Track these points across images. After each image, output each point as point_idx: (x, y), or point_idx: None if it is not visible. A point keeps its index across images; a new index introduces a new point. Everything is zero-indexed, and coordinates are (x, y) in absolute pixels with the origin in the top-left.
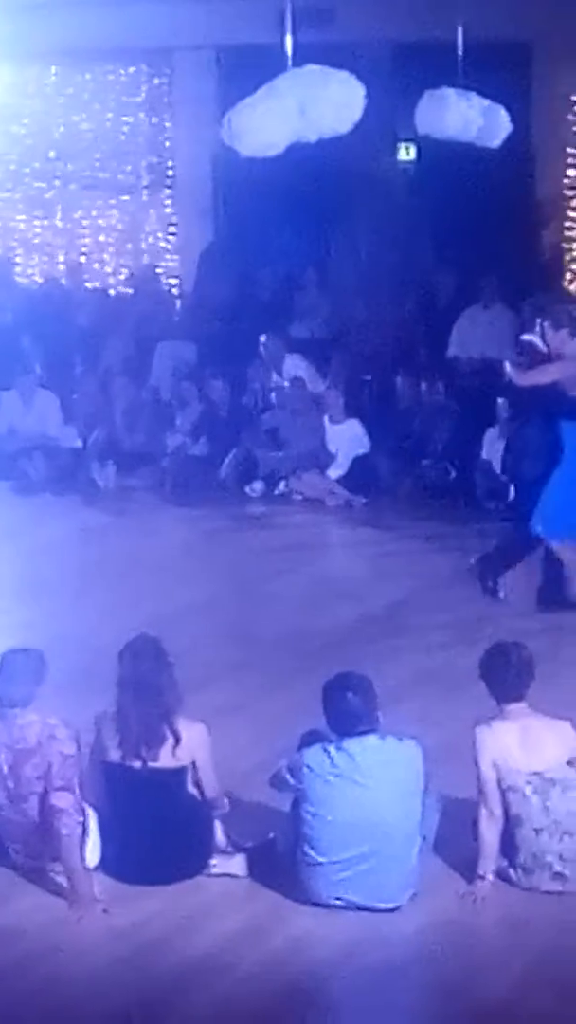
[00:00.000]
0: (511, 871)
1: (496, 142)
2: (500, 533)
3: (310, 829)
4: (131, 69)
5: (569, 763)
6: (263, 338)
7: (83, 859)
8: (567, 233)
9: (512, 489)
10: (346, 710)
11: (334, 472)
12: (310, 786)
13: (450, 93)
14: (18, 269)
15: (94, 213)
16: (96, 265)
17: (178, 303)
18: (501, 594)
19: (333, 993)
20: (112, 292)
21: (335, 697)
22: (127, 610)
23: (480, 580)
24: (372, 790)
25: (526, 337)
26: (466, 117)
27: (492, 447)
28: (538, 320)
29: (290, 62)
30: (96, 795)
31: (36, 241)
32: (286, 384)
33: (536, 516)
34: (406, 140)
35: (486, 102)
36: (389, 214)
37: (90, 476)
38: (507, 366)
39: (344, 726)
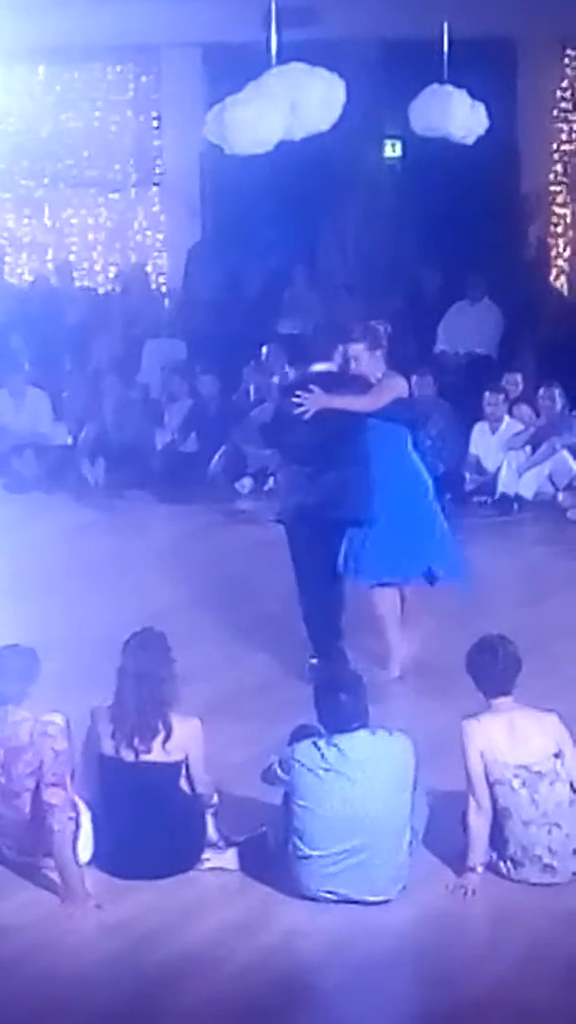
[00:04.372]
0: (501, 863)
1: (472, 139)
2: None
3: (301, 823)
4: (118, 67)
5: (556, 756)
6: (264, 349)
7: (75, 855)
8: (552, 228)
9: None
10: (336, 706)
11: None
12: (301, 781)
13: (451, 90)
14: (7, 268)
15: (83, 211)
16: (85, 263)
17: (167, 300)
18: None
19: (325, 985)
20: (101, 290)
21: (325, 693)
22: (117, 606)
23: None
24: (362, 784)
25: (319, 367)
26: (463, 114)
27: (480, 442)
28: (339, 346)
29: (275, 60)
30: (89, 788)
31: (25, 240)
32: (275, 380)
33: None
34: (392, 137)
35: (469, 98)
36: (376, 210)
37: (80, 473)
38: (341, 400)
39: (335, 722)
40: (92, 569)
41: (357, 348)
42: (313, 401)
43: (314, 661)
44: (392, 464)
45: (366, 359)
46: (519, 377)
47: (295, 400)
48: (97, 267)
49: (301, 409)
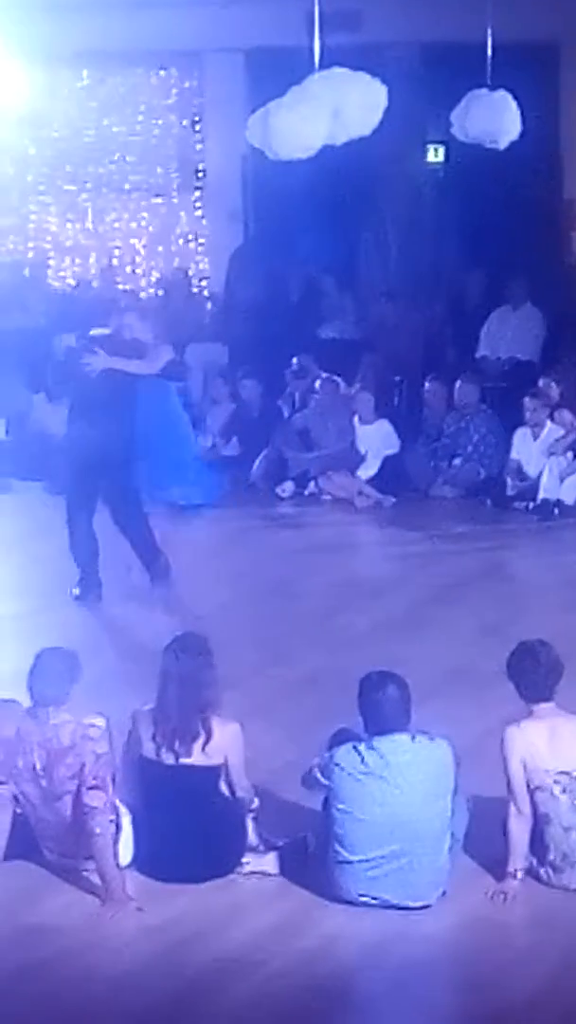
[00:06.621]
0: (541, 869)
1: (506, 143)
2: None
3: (341, 828)
4: (161, 72)
5: None
6: (294, 360)
7: (116, 857)
8: None
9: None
10: (383, 708)
11: (364, 472)
12: (341, 785)
13: (494, 95)
14: (51, 272)
15: (125, 216)
16: (128, 267)
17: (209, 304)
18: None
19: (363, 990)
20: (143, 294)
21: (372, 695)
22: (157, 609)
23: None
24: (402, 789)
25: (97, 331)
26: (506, 119)
27: (521, 447)
28: (117, 316)
29: (317, 64)
30: (129, 791)
31: (68, 244)
32: (317, 385)
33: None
34: (434, 142)
35: (513, 103)
36: (417, 215)
37: None
38: (127, 363)
39: (379, 725)
40: (133, 572)
41: (130, 317)
42: (99, 361)
43: (77, 591)
44: (160, 410)
45: (138, 327)
46: (561, 383)
47: (82, 361)
48: (139, 271)
49: (88, 368)
